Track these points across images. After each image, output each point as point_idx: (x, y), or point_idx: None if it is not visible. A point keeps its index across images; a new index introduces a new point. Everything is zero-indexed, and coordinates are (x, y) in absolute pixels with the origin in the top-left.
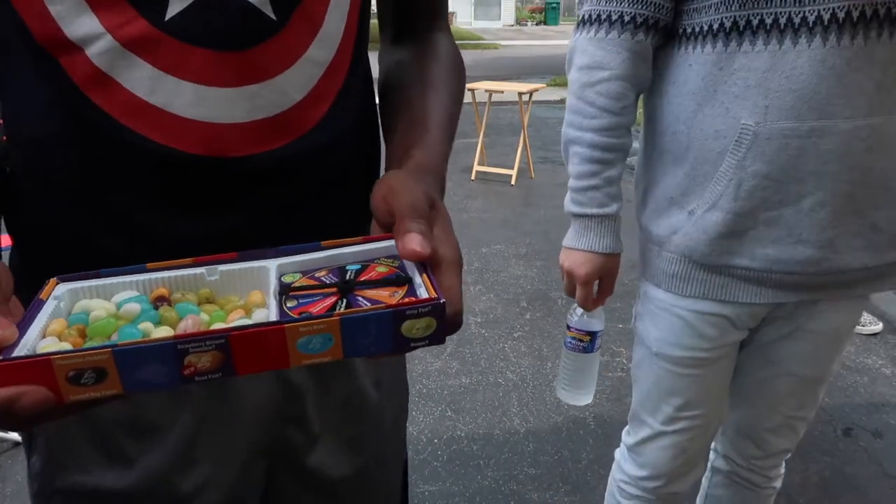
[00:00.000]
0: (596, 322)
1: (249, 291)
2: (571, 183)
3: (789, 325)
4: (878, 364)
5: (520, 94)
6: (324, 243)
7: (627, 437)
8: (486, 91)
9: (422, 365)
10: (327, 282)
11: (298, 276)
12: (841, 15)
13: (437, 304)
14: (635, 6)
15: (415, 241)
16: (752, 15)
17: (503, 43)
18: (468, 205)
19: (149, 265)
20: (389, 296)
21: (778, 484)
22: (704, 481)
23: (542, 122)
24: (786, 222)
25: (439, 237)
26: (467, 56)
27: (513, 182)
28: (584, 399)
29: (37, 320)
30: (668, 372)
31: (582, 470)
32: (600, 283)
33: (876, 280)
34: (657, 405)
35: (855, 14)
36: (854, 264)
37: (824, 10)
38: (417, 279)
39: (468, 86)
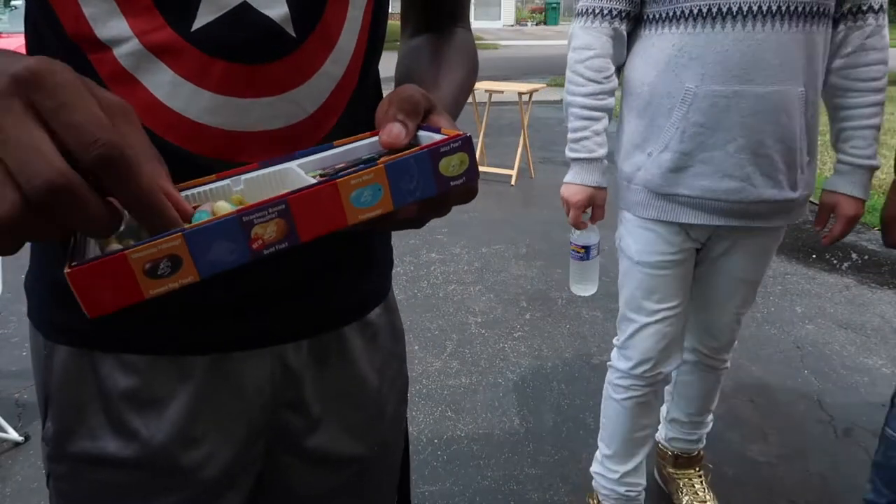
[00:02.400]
0: (591, 237)
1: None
2: (569, 135)
3: (729, 242)
4: (878, 364)
5: (520, 94)
6: (335, 143)
7: (617, 340)
8: (486, 91)
9: (422, 365)
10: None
11: (318, 172)
12: (755, 8)
13: (465, 138)
14: (613, 2)
15: (395, 129)
16: (693, 6)
17: (503, 43)
18: (468, 205)
19: (176, 185)
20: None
21: (728, 363)
22: (674, 373)
23: (542, 123)
24: (715, 161)
25: (446, 126)
26: None
27: (513, 182)
28: (590, 291)
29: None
30: (646, 275)
31: (582, 470)
32: (592, 210)
33: (782, 212)
34: (640, 303)
35: (764, 7)
36: (765, 196)
37: (744, 3)
38: (436, 137)
39: None
